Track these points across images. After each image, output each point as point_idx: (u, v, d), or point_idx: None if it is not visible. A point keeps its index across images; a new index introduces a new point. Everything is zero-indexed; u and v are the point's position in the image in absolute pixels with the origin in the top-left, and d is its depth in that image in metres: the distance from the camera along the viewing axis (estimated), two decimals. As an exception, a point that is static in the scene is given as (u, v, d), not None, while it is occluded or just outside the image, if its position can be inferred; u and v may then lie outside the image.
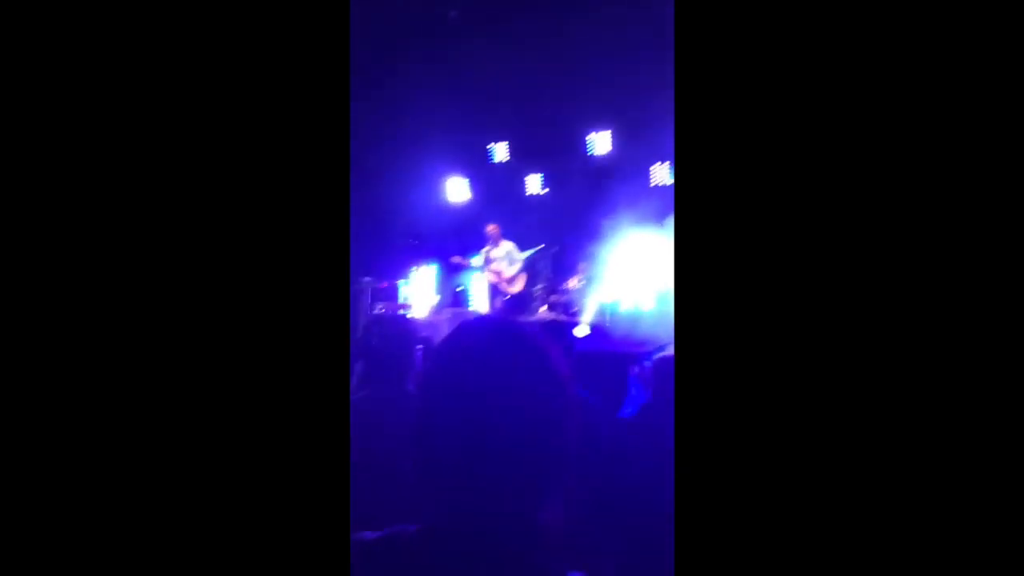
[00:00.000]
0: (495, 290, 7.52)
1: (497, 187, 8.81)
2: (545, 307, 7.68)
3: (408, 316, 7.46)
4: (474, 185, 9.04)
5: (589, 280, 7.54)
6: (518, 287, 7.56)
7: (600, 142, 8.28)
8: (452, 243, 8.37)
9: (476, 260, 7.63)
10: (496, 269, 7.43)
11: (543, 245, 8.32)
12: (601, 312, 6.97)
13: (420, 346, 2.58)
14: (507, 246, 7.49)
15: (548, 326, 2.54)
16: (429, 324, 7.27)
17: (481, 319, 0.86)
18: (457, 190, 9.06)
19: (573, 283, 7.75)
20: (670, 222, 6.66)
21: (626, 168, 7.81)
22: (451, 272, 8.48)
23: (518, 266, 7.47)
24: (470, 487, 0.75)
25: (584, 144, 8.32)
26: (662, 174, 8.11)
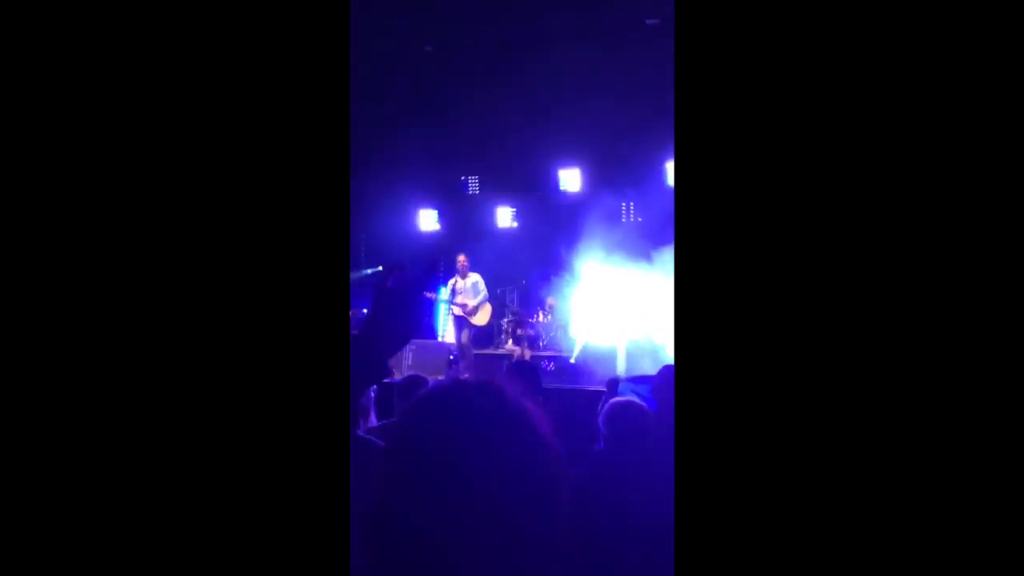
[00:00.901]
0: (461, 322, 7.48)
1: (467, 219, 8.83)
2: (511, 341, 7.65)
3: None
4: (445, 216, 9.05)
5: (556, 314, 7.54)
6: (483, 319, 7.53)
7: (570, 178, 8.36)
8: (420, 274, 8.33)
9: (443, 292, 7.60)
10: (462, 302, 7.40)
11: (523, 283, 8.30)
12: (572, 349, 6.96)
13: (374, 387, 2.52)
14: (474, 278, 7.47)
15: (516, 367, 2.49)
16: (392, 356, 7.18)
17: (451, 383, 0.78)
18: (427, 221, 9.06)
19: (540, 317, 7.75)
20: (659, 255, 6.69)
21: (596, 204, 7.89)
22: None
23: (483, 297, 7.45)
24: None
25: (555, 180, 8.40)
26: (631, 211, 8.21)
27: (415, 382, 3.01)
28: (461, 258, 7.45)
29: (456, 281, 7.44)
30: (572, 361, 6.64)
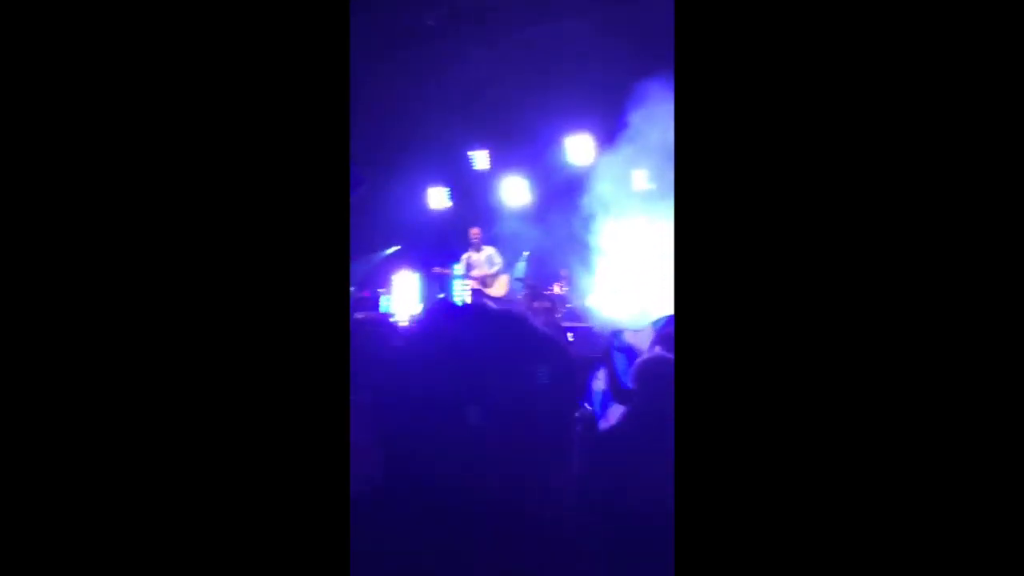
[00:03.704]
0: (478, 295, 7.48)
1: (477, 194, 8.79)
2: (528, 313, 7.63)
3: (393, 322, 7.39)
4: (454, 193, 9.01)
5: (572, 285, 7.53)
6: (501, 291, 7.53)
7: (578, 146, 8.28)
8: (433, 251, 8.33)
9: (457, 267, 7.60)
10: (478, 275, 7.39)
11: (528, 253, 8.29)
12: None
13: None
14: (488, 251, 7.46)
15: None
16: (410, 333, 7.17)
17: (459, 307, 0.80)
18: (438, 198, 9.02)
19: (557, 288, 7.73)
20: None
21: (607, 172, 7.81)
22: (433, 281, 8.43)
23: (498, 268, 7.44)
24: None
25: (563, 149, 8.33)
26: (642, 179, 8.13)
27: None
28: (474, 231, 7.43)
29: (470, 255, 7.44)
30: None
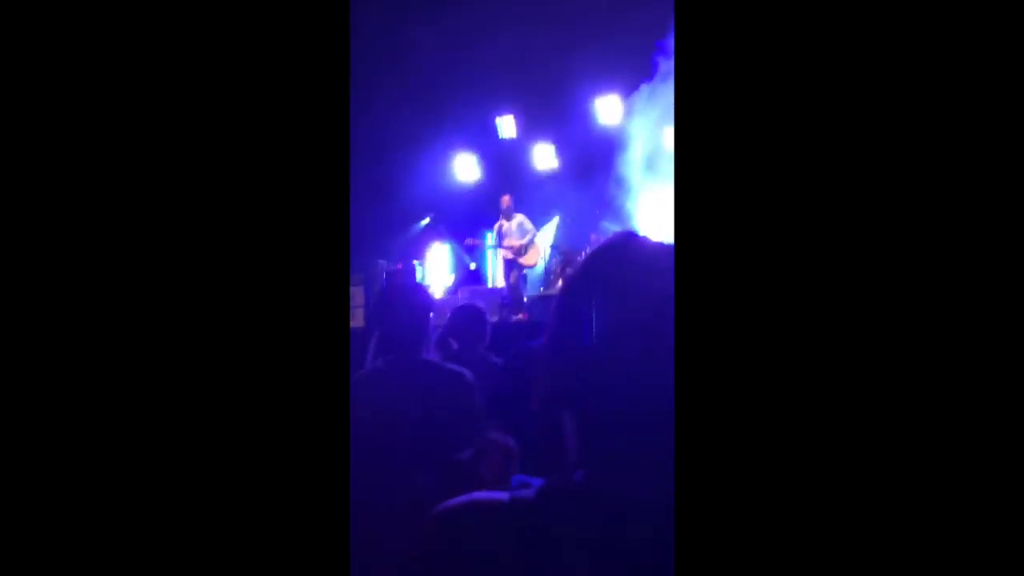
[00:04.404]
0: (510, 265, 7.46)
1: (506, 161, 8.72)
2: (561, 281, 7.62)
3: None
4: (483, 161, 8.95)
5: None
6: (533, 259, 7.50)
7: (607, 108, 8.14)
8: (464, 221, 8.32)
9: (490, 237, 7.58)
10: (509, 244, 7.36)
11: (558, 218, 8.22)
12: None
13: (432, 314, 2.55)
14: (519, 218, 7.41)
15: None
16: (444, 303, 7.24)
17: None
18: (466, 167, 8.97)
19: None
20: None
21: (636, 134, 7.68)
22: (466, 251, 8.43)
23: (530, 237, 7.40)
24: None
25: (591, 111, 8.20)
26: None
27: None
28: (505, 199, 7.39)
29: (501, 223, 7.40)
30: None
